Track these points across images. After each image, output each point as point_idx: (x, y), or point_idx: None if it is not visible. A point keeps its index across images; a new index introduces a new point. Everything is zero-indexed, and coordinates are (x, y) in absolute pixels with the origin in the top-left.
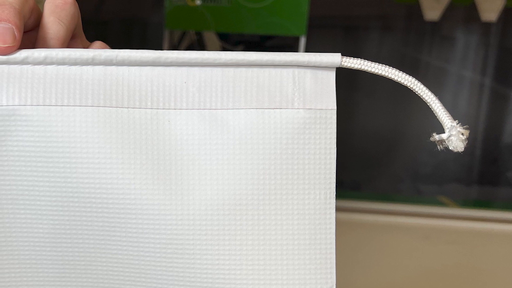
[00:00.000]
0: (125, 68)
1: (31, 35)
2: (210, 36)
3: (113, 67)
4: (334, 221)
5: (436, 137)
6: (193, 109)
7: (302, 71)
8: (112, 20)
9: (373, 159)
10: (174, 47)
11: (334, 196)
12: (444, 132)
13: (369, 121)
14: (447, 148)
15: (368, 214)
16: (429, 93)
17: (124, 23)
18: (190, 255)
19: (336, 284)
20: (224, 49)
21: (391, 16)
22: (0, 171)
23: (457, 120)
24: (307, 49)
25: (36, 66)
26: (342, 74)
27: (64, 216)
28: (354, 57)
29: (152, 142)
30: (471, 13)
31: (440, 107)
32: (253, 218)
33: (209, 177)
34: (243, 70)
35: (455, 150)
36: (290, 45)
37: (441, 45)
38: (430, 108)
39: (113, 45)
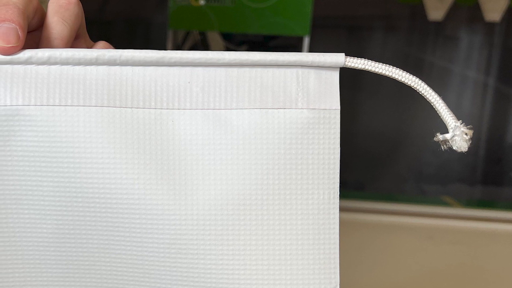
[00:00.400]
0: (128, 68)
1: (35, 35)
2: (213, 36)
3: (117, 67)
4: (338, 221)
5: (440, 137)
6: (197, 109)
7: (306, 71)
8: (116, 20)
9: (377, 159)
10: (178, 47)
11: (338, 196)
12: (447, 132)
13: (373, 121)
14: (450, 148)
15: (371, 214)
16: (433, 93)
17: (127, 23)
18: (194, 255)
19: (339, 284)
20: (227, 49)
21: (395, 16)
22: (4, 171)
23: (460, 120)
24: (311, 49)
25: (39, 66)
26: (346, 74)
27: (68, 216)
28: (358, 57)
29: (156, 142)
30: (474, 13)
31: (444, 107)
32: (256, 218)
33: (213, 177)
34: (246, 70)
35: (459, 150)
36: (293, 45)
37: (445, 45)
38: (434, 108)
39: (117, 45)
